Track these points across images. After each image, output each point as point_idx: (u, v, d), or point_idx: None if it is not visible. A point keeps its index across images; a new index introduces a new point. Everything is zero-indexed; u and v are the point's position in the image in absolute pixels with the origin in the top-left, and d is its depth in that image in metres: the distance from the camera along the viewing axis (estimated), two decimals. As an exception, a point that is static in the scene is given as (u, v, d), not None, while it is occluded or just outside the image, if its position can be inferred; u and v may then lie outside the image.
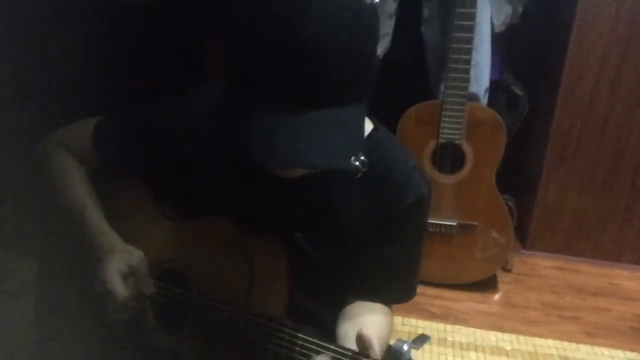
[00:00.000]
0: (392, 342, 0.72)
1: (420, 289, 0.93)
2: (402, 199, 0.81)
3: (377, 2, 0.66)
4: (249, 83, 0.63)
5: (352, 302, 0.89)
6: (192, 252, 0.85)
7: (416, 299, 0.93)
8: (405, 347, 0.69)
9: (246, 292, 0.79)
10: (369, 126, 0.82)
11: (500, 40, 1.90)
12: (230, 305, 0.79)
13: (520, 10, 1.86)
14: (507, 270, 2.14)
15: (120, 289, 0.80)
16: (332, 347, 0.72)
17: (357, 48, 0.62)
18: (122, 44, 2.10)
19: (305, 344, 0.74)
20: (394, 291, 0.90)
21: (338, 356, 0.71)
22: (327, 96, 0.62)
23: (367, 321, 0.84)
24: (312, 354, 0.73)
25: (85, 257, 0.85)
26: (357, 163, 0.63)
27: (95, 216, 0.88)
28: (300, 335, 0.75)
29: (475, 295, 1.99)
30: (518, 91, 1.91)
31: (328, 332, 0.85)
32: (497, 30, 1.83)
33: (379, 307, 0.89)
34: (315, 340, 0.74)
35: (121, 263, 0.81)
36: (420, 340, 0.71)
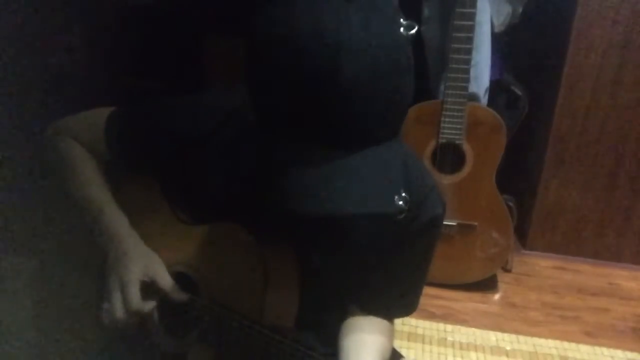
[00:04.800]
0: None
1: (420, 289, 0.93)
2: (416, 219, 0.79)
3: (412, 34, 0.61)
4: (282, 125, 0.59)
5: (354, 314, 0.87)
6: (204, 257, 0.84)
7: (416, 299, 0.93)
8: None
9: (259, 301, 0.78)
10: None
11: (500, 40, 1.90)
12: (241, 314, 0.78)
13: (520, 10, 1.85)
14: (507, 270, 2.14)
15: (136, 296, 0.78)
16: None
17: (394, 84, 0.59)
18: (122, 42, 2.10)
19: None
20: (398, 305, 0.89)
21: None
22: (365, 136, 0.59)
23: (369, 342, 0.82)
24: None
25: (95, 256, 0.84)
26: (400, 202, 0.59)
27: (115, 213, 0.85)
28: (314, 355, 0.74)
29: (475, 295, 1.99)
30: (518, 91, 1.90)
31: (336, 342, 0.84)
32: (497, 30, 1.83)
33: (382, 327, 0.87)
34: None
35: (144, 270, 0.80)
36: None
